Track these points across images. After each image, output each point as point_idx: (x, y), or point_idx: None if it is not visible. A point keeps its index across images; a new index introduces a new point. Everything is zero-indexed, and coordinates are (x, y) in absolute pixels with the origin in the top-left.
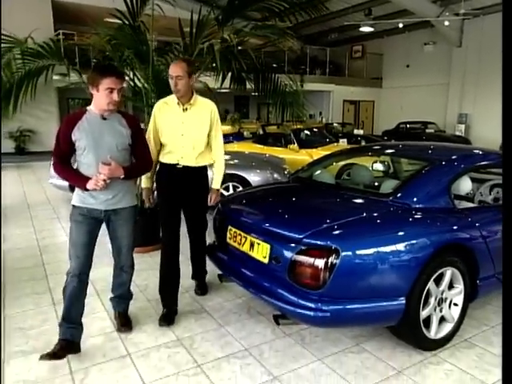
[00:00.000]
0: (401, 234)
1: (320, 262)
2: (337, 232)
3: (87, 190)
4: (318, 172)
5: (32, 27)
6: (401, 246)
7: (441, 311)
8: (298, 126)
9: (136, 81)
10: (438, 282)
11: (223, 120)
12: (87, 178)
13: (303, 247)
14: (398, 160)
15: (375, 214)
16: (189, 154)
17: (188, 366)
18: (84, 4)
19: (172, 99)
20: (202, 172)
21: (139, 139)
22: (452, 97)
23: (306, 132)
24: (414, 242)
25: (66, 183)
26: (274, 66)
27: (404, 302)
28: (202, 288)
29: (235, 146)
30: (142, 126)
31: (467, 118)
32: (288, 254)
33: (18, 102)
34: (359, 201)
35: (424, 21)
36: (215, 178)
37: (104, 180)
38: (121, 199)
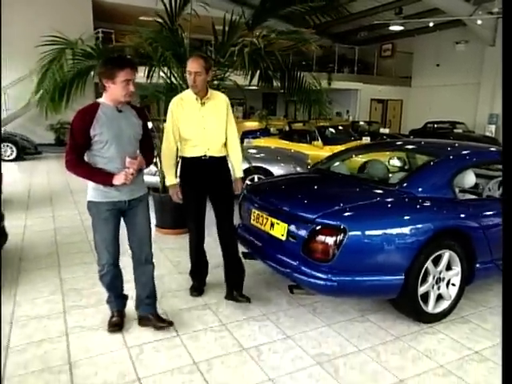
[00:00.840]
0: (402, 218)
1: (330, 239)
2: (345, 214)
3: (112, 185)
4: (336, 164)
5: (74, 25)
6: (401, 229)
7: (438, 289)
8: (324, 124)
9: (172, 78)
10: (436, 262)
11: (250, 116)
12: (110, 174)
13: (316, 226)
14: (412, 155)
15: (381, 201)
16: (214, 145)
17: (214, 324)
18: (121, 3)
19: (188, 95)
20: (225, 161)
21: (147, 130)
22: (483, 97)
23: (331, 130)
24: (413, 225)
25: None
26: (303, 63)
27: (403, 277)
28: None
29: (262, 141)
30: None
31: (498, 119)
32: (303, 232)
33: (69, 98)
34: (369, 189)
35: (456, 19)
36: (237, 167)
37: (132, 174)
38: (139, 187)
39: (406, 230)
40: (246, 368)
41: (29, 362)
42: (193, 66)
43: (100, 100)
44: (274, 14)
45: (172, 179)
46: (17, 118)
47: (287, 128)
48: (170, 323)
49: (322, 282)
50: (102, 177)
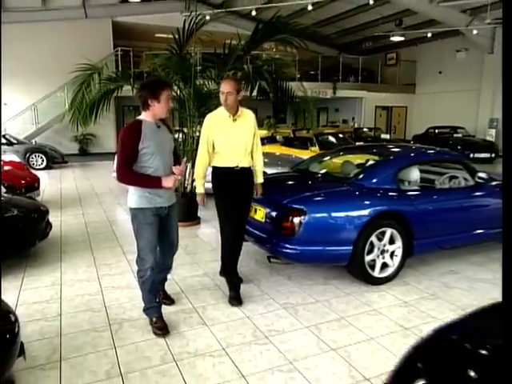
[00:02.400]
0: (351, 203)
1: (294, 219)
2: (307, 200)
3: (161, 187)
4: (313, 165)
5: (96, 44)
6: (349, 211)
7: (383, 258)
8: (322, 131)
9: (181, 96)
10: (382, 238)
11: (261, 125)
12: (158, 178)
13: (285, 209)
14: (372, 156)
15: (337, 190)
16: (244, 157)
17: (211, 285)
18: (138, 23)
19: (221, 112)
20: (251, 171)
21: (174, 143)
22: (483, 102)
23: (327, 136)
24: (359, 208)
25: None
26: (311, 73)
27: (351, 248)
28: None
29: (266, 148)
30: (185, 129)
31: (498, 123)
32: (276, 214)
33: (97, 114)
34: (332, 183)
35: (454, 29)
36: (259, 175)
37: (177, 180)
38: (172, 195)
39: (353, 211)
40: (233, 309)
41: (77, 307)
42: (225, 87)
43: (141, 118)
44: (264, 41)
45: (202, 188)
46: (45, 130)
47: (291, 135)
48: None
49: (290, 251)
50: (153, 181)
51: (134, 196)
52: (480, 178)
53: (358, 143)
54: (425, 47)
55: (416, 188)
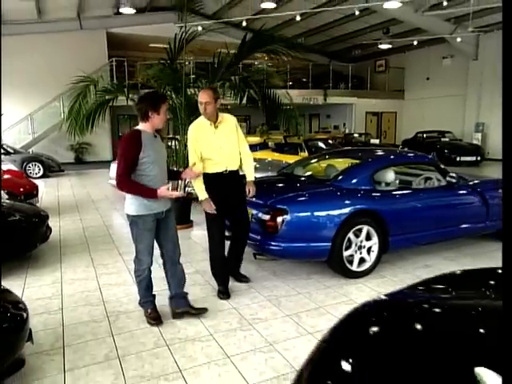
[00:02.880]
0: (329, 202)
1: (277, 218)
2: (288, 200)
3: (157, 198)
4: (297, 169)
5: (91, 54)
6: (328, 210)
7: (361, 254)
8: (311, 137)
9: (173, 105)
10: (359, 234)
11: (253, 132)
12: (154, 189)
13: (268, 209)
14: (351, 160)
15: (317, 191)
16: (232, 160)
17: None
18: (132, 34)
19: (203, 121)
20: (239, 173)
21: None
22: (469, 107)
23: (316, 142)
24: (336, 207)
25: None
26: (303, 80)
27: (330, 244)
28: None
29: (258, 154)
30: (178, 137)
31: (484, 127)
32: (261, 214)
33: (94, 124)
34: (313, 184)
35: (440, 37)
36: (249, 172)
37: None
38: (168, 200)
39: (331, 210)
40: (222, 301)
41: (77, 302)
42: (203, 97)
43: (140, 128)
44: (252, 53)
45: (204, 194)
46: (41, 140)
47: (283, 141)
48: (205, 309)
49: (274, 248)
50: (150, 192)
51: (133, 204)
52: (451, 178)
53: (344, 148)
54: (412, 54)
55: (391, 188)
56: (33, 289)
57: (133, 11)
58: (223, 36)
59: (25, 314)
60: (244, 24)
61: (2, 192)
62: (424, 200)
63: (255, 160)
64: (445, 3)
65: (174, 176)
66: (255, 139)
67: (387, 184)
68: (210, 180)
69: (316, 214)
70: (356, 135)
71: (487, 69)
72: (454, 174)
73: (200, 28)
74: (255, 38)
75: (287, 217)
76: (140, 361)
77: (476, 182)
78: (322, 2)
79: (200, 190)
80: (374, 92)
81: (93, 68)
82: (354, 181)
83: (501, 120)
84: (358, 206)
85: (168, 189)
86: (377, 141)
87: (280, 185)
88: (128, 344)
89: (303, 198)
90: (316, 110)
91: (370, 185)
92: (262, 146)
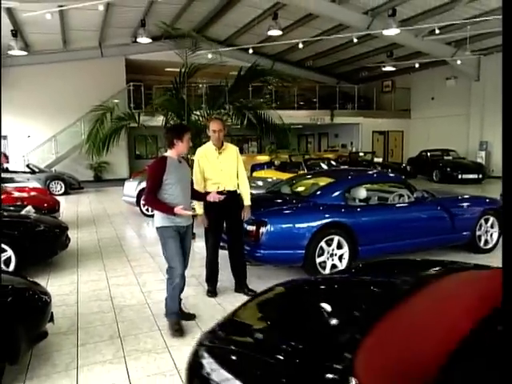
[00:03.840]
0: (303, 215)
1: (258, 228)
2: (268, 213)
3: (174, 214)
4: (284, 187)
5: (111, 79)
6: (302, 222)
7: (333, 260)
8: (311, 156)
9: None
10: (331, 243)
11: (263, 151)
12: (172, 207)
13: (252, 221)
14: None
15: (295, 206)
16: (229, 182)
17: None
18: (149, 60)
19: (209, 147)
20: (237, 193)
21: None
22: (473, 126)
23: (315, 161)
24: (310, 219)
25: (134, 200)
26: (313, 100)
27: (304, 252)
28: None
29: (262, 173)
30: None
31: (487, 146)
32: (247, 225)
33: (109, 146)
34: (293, 200)
35: (441, 60)
36: (245, 197)
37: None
38: (190, 218)
39: (304, 222)
40: (210, 299)
41: (90, 297)
42: (217, 126)
43: (166, 154)
44: (248, 84)
45: (201, 211)
46: (64, 159)
47: (288, 160)
48: (193, 315)
49: (256, 255)
50: (168, 209)
51: (159, 217)
52: (419, 195)
53: (342, 167)
54: (418, 75)
55: (361, 204)
56: (54, 287)
57: (149, 40)
58: (235, 60)
59: (48, 299)
60: (250, 52)
61: (30, 206)
62: (392, 214)
63: (260, 178)
64: (437, 31)
65: (198, 197)
66: (264, 158)
67: (360, 200)
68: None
69: (291, 225)
70: (362, 154)
71: (489, 89)
72: (422, 192)
73: (210, 56)
74: (249, 71)
75: (267, 227)
76: (136, 340)
77: (442, 198)
78: (327, 28)
79: (199, 206)
80: (380, 112)
81: (112, 92)
82: (328, 197)
83: None
84: (329, 219)
85: (183, 208)
86: (380, 159)
87: (265, 201)
88: (128, 328)
89: (281, 212)
90: (325, 130)
91: (342, 200)
92: (269, 165)
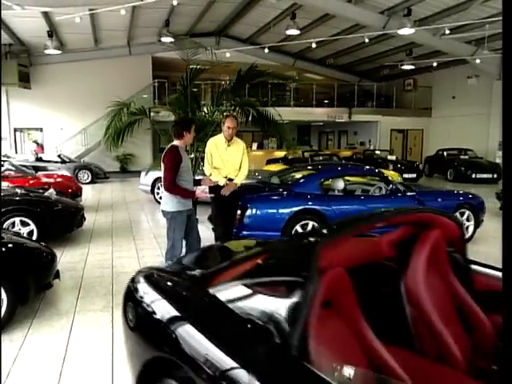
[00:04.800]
0: (280, 201)
1: (242, 212)
2: (250, 199)
3: (194, 197)
4: (273, 178)
5: (138, 76)
6: (279, 207)
7: None
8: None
9: None
10: (307, 227)
11: (280, 147)
12: (193, 192)
13: (239, 206)
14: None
15: (276, 193)
16: (233, 172)
17: None
18: (174, 58)
19: (220, 139)
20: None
21: None
22: (493, 126)
23: (320, 157)
24: (287, 205)
25: (149, 188)
26: (331, 97)
27: (280, 233)
28: None
29: (272, 166)
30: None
31: None
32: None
33: (123, 138)
34: (277, 188)
35: (461, 58)
36: (238, 178)
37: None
38: (191, 201)
39: (281, 208)
40: None
41: (94, 265)
42: (232, 123)
43: (176, 144)
44: (246, 84)
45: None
46: (92, 151)
47: (301, 156)
48: None
49: (239, 234)
50: (190, 193)
51: (172, 202)
52: (395, 187)
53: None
54: (439, 74)
55: (337, 194)
56: (67, 257)
57: (172, 39)
58: (255, 58)
59: (53, 258)
60: (266, 51)
61: (52, 189)
62: (364, 204)
63: (268, 171)
64: (447, 31)
65: (196, 183)
66: (280, 153)
67: (339, 190)
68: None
69: (269, 210)
70: (378, 152)
71: None
72: (398, 185)
73: (228, 54)
74: (248, 72)
75: (248, 211)
76: None
77: (417, 191)
78: (345, 28)
79: (219, 178)
80: (399, 110)
81: (139, 88)
82: (305, 186)
83: None
84: (302, 206)
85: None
86: (393, 157)
87: (254, 189)
88: (120, 288)
89: (261, 198)
90: (344, 127)
91: (318, 190)
92: (282, 160)
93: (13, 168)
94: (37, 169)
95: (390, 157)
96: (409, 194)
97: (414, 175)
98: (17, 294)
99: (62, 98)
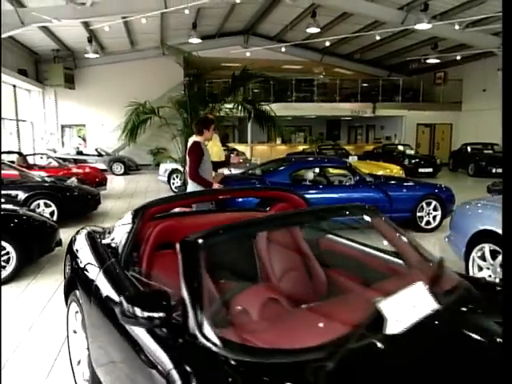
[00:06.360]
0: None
1: None
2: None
3: (211, 186)
4: (257, 169)
5: (171, 75)
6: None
7: None
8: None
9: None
10: None
11: (304, 142)
12: (211, 182)
13: None
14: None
15: (249, 181)
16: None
17: None
18: (206, 57)
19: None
20: None
21: None
22: None
23: (326, 151)
24: (258, 192)
25: (166, 178)
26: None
27: None
28: None
29: None
30: None
31: None
32: None
33: (137, 134)
34: (253, 179)
35: (488, 51)
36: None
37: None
38: None
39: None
40: None
41: None
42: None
43: (197, 139)
44: (242, 85)
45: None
46: (127, 145)
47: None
48: None
49: None
50: (208, 183)
51: (197, 189)
52: (360, 178)
53: (351, 157)
54: (470, 66)
55: (306, 184)
56: None
57: (199, 41)
58: (282, 55)
59: (54, 228)
60: (283, 50)
61: (74, 178)
62: (328, 192)
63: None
64: (457, 27)
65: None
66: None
67: (309, 181)
68: None
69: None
70: (401, 147)
71: None
72: (365, 176)
73: (248, 53)
74: (242, 73)
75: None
76: None
77: (383, 182)
78: (367, 24)
79: None
80: (427, 104)
81: (171, 86)
82: (276, 176)
83: None
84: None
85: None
86: (412, 151)
87: (234, 179)
88: None
89: (237, 186)
90: (372, 122)
91: (288, 180)
92: (301, 154)
93: (50, 160)
94: (77, 161)
95: (408, 151)
96: (371, 184)
97: (431, 170)
98: (23, 253)
99: (102, 97)
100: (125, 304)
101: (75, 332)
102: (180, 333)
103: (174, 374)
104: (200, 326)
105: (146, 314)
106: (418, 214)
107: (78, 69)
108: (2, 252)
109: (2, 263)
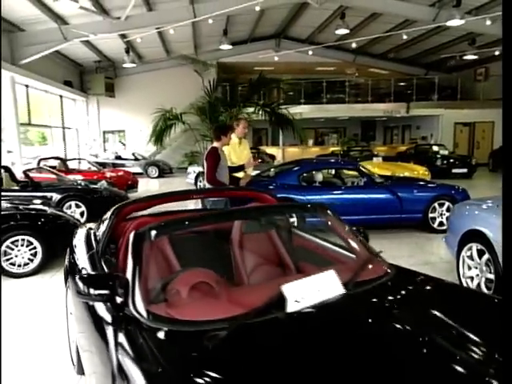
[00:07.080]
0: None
1: None
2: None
3: None
4: (271, 171)
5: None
6: None
7: None
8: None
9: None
10: None
11: (337, 143)
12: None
13: None
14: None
15: (258, 183)
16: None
17: None
18: (237, 61)
19: (233, 140)
20: None
21: None
22: None
23: (350, 152)
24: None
25: (193, 181)
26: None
27: None
28: None
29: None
30: None
31: None
32: None
33: (163, 138)
34: (265, 181)
35: None
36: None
37: None
38: None
39: None
40: None
41: None
42: (246, 125)
43: (215, 145)
44: (258, 90)
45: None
46: (164, 149)
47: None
48: None
49: None
50: (225, 185)
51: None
52: (370, 180)
53: (375, 158)
54: None
55: (315, 185)
56: None
57: (230, 47)
58: (315, 57)
59: (76, 224)
60: (309, 52)
61: (104, 181)
62: (339, 194)
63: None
64: (488, 22)
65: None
66: (332, 149)
67: (319, 182)
68: None
69: None
70: (435, 147)
71: None
72: (375, 178)
73: (276, 57)
74: (258, 80)
75: None
76: None
77: (393, 183)
78: (399, 22)
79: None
80: (465, 102)
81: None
82: (286, 178)
83: None
84: (280, 194)
85: None
86: (446, 152)
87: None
88: None
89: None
90: (408, 122)
91: (297, 181)
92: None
93: (88, 165)
94: (115, 165)
95: (442, 151)
96: (383, 185)
97: (465, 170)
98: (48, 248)
99: (139, 104)
100: (79, 283)
101: (71, 314)
102: (121, 308)
103: (111, 340)
104: (134, 302)
105: (92, 291)
106: (431, 215)
107: (118, 78)
108: (30, 247)
109: (30, 257)
